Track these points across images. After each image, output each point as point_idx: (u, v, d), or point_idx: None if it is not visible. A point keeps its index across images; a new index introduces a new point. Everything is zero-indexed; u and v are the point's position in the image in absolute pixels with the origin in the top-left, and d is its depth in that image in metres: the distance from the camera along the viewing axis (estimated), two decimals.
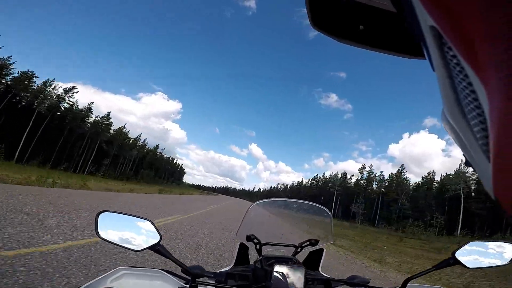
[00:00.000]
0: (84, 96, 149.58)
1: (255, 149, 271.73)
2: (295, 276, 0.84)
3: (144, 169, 72.91)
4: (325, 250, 1.13)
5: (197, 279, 0.78)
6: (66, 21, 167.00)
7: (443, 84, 0.16)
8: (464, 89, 0.14)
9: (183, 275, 0.85)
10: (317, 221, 1.29)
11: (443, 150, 53.06)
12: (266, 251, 1.07)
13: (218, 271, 0.95)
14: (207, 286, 0.82)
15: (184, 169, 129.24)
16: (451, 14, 0.12)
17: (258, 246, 1.05)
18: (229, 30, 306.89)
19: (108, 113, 57.89)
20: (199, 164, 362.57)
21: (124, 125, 66.40)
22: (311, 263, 1.13)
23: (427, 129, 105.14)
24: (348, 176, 68.98)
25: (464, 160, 0.16)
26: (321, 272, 1.08)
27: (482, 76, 0.12)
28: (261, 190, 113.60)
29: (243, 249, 1.09)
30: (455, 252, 0.90)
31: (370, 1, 0.24)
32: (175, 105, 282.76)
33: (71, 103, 48.78)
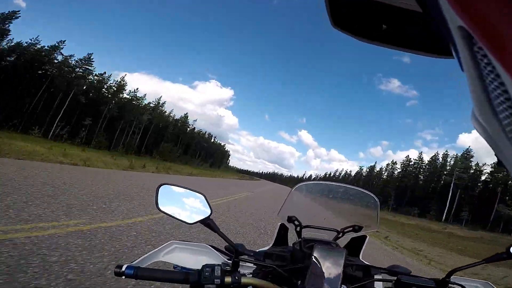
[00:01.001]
0: (148, 85, 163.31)
1: (305, 135, 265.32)
2: (335, 260, 0.84)
3: (166, 142, 58.61)
4: (368, 237, 1.13)
5: (242, 257, 0.82)
6: (128, 14, 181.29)
7: (473, 84, 0.15)
8: (496, 88, 0.13)
9: (226, 251, 0.90)
10: (363, 208, 1.24)
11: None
12: (306, 233, 1.08)
13: (257, 250, 1.00)
14: (247, 263, 0.86)
15: (228, 151, 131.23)
16: (480, 13, 0.12)
17: (298, 228, 1.06)
18: (280, 17, 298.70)
19: (90, 55, 42.12)
20: (250, 150, 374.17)
21: (123, 79, 49.83)
22: (352, 249, 1.12)
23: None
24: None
25: (497, 161, 0.16)
26: (362, 259, 1.08)
27: None
28: (312, 177, 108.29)
29: (283, 230, 1.13)
30: (510, 247, 0.84)
31: (393, 1, 0.24)
32: (227, 92, 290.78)
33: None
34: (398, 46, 0.26)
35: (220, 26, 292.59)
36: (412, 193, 54.31)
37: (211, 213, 0.80)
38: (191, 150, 74.60)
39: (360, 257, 1.09)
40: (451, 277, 0.84)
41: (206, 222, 0.79)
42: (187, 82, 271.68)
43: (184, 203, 0.84)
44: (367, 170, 78.13)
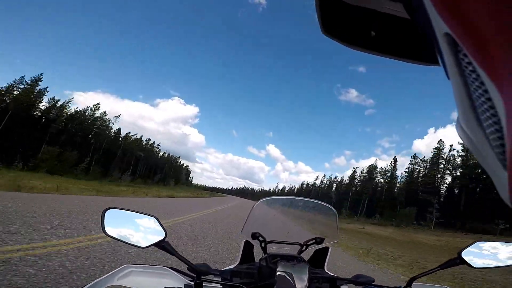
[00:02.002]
0: (105, 104, 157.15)
1: (273, 149, 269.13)
2: (299, 274, 0.85)
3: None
4: (330, 248, 1.15)
5: (202, 277, 0.79)
6: (80, 30, 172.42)
7: (458, 92, 0.15)
8: (480, 96, 0.14)
9: (188, 272, 0.86)
10: (323, 219, 1.28)
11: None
12: (272, 249, 1.08)
13: (223, 269, 0.98)
14: (213, 283, 0.83)
15: (187, 167, 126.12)
16: (466, 20, 0.12)
17: (263, 244, 1.06)
18: (242, 31, 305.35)
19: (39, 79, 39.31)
20: (219, 168, 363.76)
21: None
22: (317, 261, 1.14)
23: (454, 123, 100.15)
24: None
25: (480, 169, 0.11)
26: (327, 271, 1.09)
27: (498, 83, 0.12)
28: (285, 189, 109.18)
29: (248, 247, 1.12)
30: (461, 252, 0.90)
31: (382, 8, 0.24)
32: (192, 110, 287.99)
33: None
34: (387, 53, 0.26)
35: (182, 41, 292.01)
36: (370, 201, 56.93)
37: (166, 236, 0.77)
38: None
39: (325, 269, 1.11)
40: (413, 284, 0.88)
41: (161, 244, 0.76)
42: (148, 100, 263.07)
43: (134, 227, 0.81)
44: (331, 179, 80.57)
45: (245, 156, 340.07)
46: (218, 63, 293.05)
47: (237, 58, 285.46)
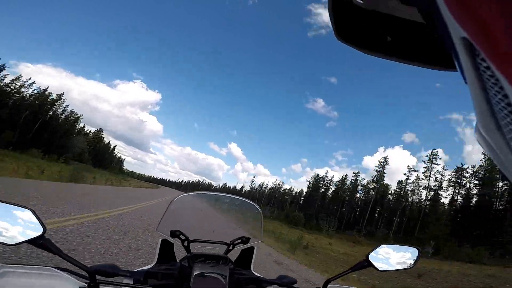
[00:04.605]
0: (55, 79, 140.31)
1: (235, 148, 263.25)
2: (219, 276, 0.83)
3: None
4: (256, 248, 1.14)
5: (108, 279, 0.73)
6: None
7: (476, 97, 0.15)
8: (500, 102, 0.14)
9: (85, 273, 0.77)
10: (249, 218, 1.26)
11: (412, 166, 54.59)
12: (196, 248, 1.04)
13: (136, 270, 0.91)
14: (115, 285, 0.75)
15: (116, 154, 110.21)
16: (484, 25, 0.12)
17: (185, 243, 1.02)
18: (216, 23, 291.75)
19: None
20: (174, 161, 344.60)
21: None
22: (243, 261, 1.12)
23: (402, 145, 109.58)
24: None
25: (500, 175, 0.17)
26: (253, 271, 1.08)
27: None
28: (243, 188, 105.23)
29: (167, 246, 1.05)
30: (368, 255, 0.95)
31: (397, 12, 0.24)
32: (154, 96, 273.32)
33: None
34: (402, 58, 0.26)
35: (152, 23, 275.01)
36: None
37: (44, 231, 0.68)
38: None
39: (252, 269, 1.10)
40: (328, 285, 0.91)
41: (39, 242, 0.67)
42: (106, 80, 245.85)
43: (3, 220, 0.70)
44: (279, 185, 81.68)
45: (205, 152, 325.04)
46: (189, 51, 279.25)
47: (209, 49, 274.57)
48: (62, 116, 57.31)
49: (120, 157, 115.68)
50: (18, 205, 0.71)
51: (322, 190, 63.19)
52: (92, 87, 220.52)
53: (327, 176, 66.21)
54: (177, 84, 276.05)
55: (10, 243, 0.67)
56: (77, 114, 63.18)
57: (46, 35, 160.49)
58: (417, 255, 0.99)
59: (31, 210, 0.71)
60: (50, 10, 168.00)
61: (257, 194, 77.37)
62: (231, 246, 1.10)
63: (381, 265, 0.95)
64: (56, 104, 54.59)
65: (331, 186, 63.05)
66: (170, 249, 1.06)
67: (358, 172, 58.35)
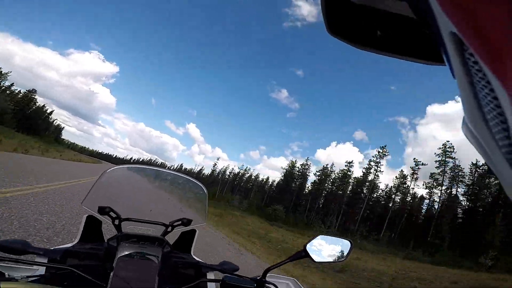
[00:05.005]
0: None
1: (193, 129, 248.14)
2: (150, 258, 0.76)
3: None
4: (197, 231, 1.09)
5: (18, 256, 0.66)
6: None
7: (463, 91, 0.16)
8: (486, 96, 0.14)
9: None
10: (192, 199, 1.19)
11: (359, 163, 56.71)
12: (130, 228, 0.95)
13: (52, 248, 0.81)
14: (24, 263, 0.68)
15: (59, 125, 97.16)
16: (473, 19, 0.12)
17: (116, 222, 0.90)
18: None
19: None
20: (125, 136, 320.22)
21: None
22: (183, 245, 1.07)
23: (352, 142, 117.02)
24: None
25: (487, 168, 0.16)
26: (193, 256, 1.04)
27: (505, 82, 0.12)
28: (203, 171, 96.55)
29: (94, 224, 0.95)
30: (306, 245, 0.94)
31: (387, 7, 0.24)
32: (111, 68, 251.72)
33: None
34: (392, 52, 0.27)
35: None
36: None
37: None
38: None
39: (192, 253, 1.06)
40: (267, 274, 0.90)
41: None
42: (58, 48, 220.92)
43: None
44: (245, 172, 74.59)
45: (160, 130, 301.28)
46: (154, 23, 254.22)
47: (177, 26, 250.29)
48: None
49: (58, 125, 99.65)
50: None
51: (299, 181, 56.02)
52: (41, 55, 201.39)
53: (307, 165, 57.97)
54: (139, 59, 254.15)
55: None
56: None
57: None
58: (349, 247, 1.02)
59: None
60: None
61: (220, 180, 72.72)
62: (170, 227, 1.02)
63: (317, 256, 0.96)
64: None
65: (309, 176, 56.06)
66: (97, 227, 0.97)
67: (351, 162, 50.53)
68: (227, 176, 76.27)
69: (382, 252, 23.81)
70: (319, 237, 1.01)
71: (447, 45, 0.15)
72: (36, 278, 0.70)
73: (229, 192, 64.29)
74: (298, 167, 58.94)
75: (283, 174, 60.78)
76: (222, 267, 0.94)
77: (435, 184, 37.86)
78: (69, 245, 0.88)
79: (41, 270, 0.75)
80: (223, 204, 37.57)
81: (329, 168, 53.13)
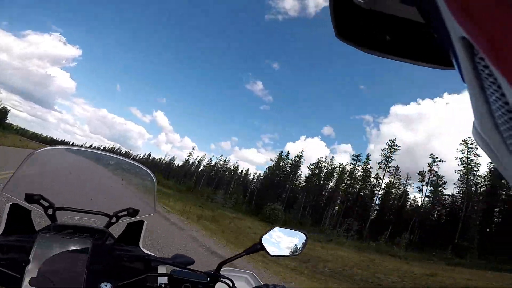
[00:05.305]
0: None
1: (161, 117, 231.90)
2: (74, 252, 0.68)
3: None
4: (146, 222, 1.00)
5: None
6: None
7: (474, 96, 0.15)
8: (497, 100, 0.14)
9: None
10: (139, 186, 1.08)
11: (326, 157, 54.96)
12: (67, 219, 0.87)
13: None
14: None
15: (5, 108, 79.94)
16: (483, 24, 0.12)
17: (50, 211, 0.83)
18: None
19: None
20: (85, 123, 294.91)
21: None
22: (130, 237, 0.98)
23: (320, 136, 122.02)
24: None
25: (499, 174, 0.13)
26: (141, 248, 0.97)
27: None
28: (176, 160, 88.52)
29: (21, 213, 0.83)
30: (261, 238, 0.91)
31: (396, 12, 0.25)
32: (72, 51, 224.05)
33: None
34: (401, 57, 0.27)
35: None
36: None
37: None
38: None
39: (140, 245, 0.98)
40: (221, 269, 0.86)
41: None
42: (14, 29, 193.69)
43: None
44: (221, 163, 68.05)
45: (124, 117, 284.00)
46: (123, 6, 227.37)
47: (148, 8, 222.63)
48: None
49: (4, 108, 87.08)
50: None
51: (291, 175, 50.50)
52: None
53: (301, 156, 51.93)
54: (105, 43, 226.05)
55: None
56: None
57: None
58: (304, 240, 1.00)
59: None
60: None
61: (195, 172, 68.00)
62: (114, 218, 0.95)
63: (272, 249, 0.93)
64: None
65: (300, 168, 50.51)
66: (26, 217, 0.85)
67: (359, 155, 45.79)
68: (203, 168, 70.49)
69: (419, 258, 20.21)
70: (275, 228, 0.98)
71: (457, 50, 0.15)
72: None
73: (205, 185, 58.90)
74: (290, 159, 52.97)
75: (267, 167, 55.87)
76: (174, 261, 0.87)
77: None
78: None
79: None
80: (205, 201, 33.57)
81: (323, 163, 48.57)
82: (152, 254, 0.93)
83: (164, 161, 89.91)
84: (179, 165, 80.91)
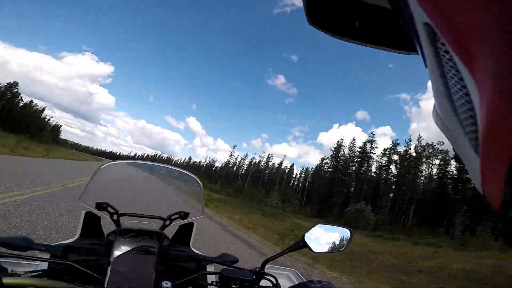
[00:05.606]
0: None
1: (193, 122, 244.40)
2: (144, 254, 0.78)
3: None
4: (195, 224, 1.09)
5: (20, 253, 0.69)
6: None
7: (434, 79, 0.16)
8: (456, 84, 0.14)
9: None
10: (188, 192, 1.21)
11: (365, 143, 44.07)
12: (128, 223, 0.97)
13: (54, 244, 0.85)
14: (27, 259, 0.70)
15: (49, 120, 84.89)
16: (445, 10, 0.13)
17: (115, 217, 0.94)
18: None
19: None
20: (128, 134, 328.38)
21: None
22: (182, 238, 1.07)
23: (354, 122, 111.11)
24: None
25: (454, 156, 0.17)
26: (192, 248, 1.04)
27: (472, 70, 0.13)
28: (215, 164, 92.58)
29: (93, 219, 0.97)
30: (304, 235, 0.93)
31: None
32: (106, 68, 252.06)
33: None
34: (369, 43, 0.28)
35: None
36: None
37: None
38: None
39: (191, 246, 1.06)
40: (266, 266, 0.89)
41: None
42: (51, 52, 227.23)
43: None
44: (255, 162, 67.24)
45: (161, 126, 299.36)
46: (145, 21, 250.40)
47: (169, 20, 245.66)
48: None
49: (56, 125, 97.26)
50: None
51: (364, 165, 42.52)
52: (36, 60, 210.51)
53: (372, 148, 43.36)
54: (132, 57, 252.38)
55: None
56: None
57: None
58: (349, 236, 0.98)
59: None
60: None
61: (240, 173, 67.65)
62: (168, 221, 1.04)
63: (316, 246, 0.94)
64: None
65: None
66: (96, 223, 0.98)
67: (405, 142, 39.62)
68: (245, 168, 68.69)
69: None
70: (317, 225, 0.98)
71: (421, 35, 0.16)
72: (38, 273, 0.72)
73: (250, 185, 55.83)
74: (357, 148, 44.72)
75: (321, 159, 49.14)
76: (221, 260, 0.94)
77: None
78: (70, 241, 0.91)
79: (43, 266, 0.78)
80: (259, 206, 30.47)
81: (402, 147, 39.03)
82: (201, 254, 1.00)
83: (204, 163, 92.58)
84: (219, 166, 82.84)
